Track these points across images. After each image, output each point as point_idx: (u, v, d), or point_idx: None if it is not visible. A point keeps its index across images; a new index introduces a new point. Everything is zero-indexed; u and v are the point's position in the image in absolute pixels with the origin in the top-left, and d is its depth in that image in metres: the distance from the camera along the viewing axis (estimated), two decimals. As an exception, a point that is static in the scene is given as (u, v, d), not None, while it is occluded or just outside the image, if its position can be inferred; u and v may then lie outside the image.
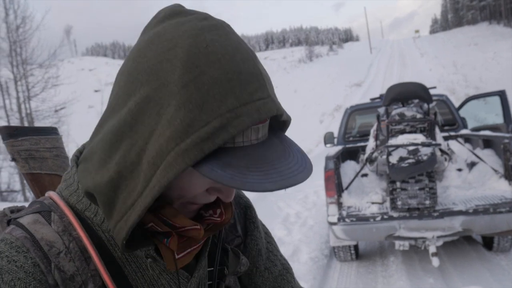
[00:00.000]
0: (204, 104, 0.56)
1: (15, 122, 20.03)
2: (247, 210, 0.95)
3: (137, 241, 0.67)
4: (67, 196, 0.71)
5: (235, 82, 0.57)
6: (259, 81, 0.60)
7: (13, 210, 0.79)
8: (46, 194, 0.74)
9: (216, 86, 0.56)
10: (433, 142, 4.69)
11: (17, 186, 15.94)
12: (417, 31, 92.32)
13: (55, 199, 0.70)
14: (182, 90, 0.56)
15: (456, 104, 7.29)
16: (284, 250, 5.63)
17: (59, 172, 1.08)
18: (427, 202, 4.64)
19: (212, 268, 0.82)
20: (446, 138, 5.92)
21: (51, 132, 1.13)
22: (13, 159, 1.06)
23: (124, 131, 0.60)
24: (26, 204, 0.77)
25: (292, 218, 7.32)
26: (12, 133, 1.04)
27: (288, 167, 0.61)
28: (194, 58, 0.57)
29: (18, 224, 0.66)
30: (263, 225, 1.00)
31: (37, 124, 16.76)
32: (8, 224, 0.70)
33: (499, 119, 7.24)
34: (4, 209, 0.80)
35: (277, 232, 6.43)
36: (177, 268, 0.69)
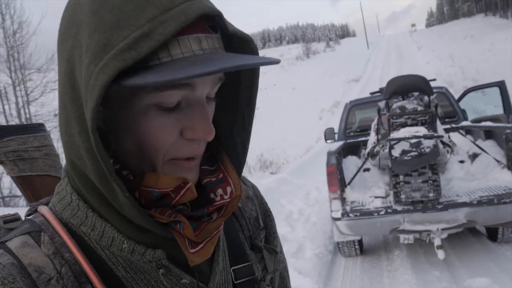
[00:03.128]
0: (120, 22, 0.53)
1: (14, 127, 19.87)
2: (264, 204, 0.92)
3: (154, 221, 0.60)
4: (60, 210, 0.64)
5: None
6: None
7: (6, 220, 0.72)
8: (38, 210, 0.67)
9: (129, 3, 0.54)
10: (435, 134, 4.68)
11: (19, 191, 15.88)
12: (413, 25, 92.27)
13: (47, 216, 0.64)
14: (92, 18, 0.54)
15: (455, 97, 7.28)
16: (288, 247, 5.63)
17: (51, 172, 1.01)
18: (431, 194, 4.64)
19: (243, 265, 0.77)
20: (447, 130, 5.92)
21: (39, 129, 1.04)
22: (0, 162, 0.98)
23: (65, 92, 0.58)
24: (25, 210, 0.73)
25: (295, 215, 7.31)
26: None
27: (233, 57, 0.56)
28: None
29: (6, 249, 0.60)
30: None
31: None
32: None
33: (498, 110, 7.23)
34: None
35: (281, 229, 6.41)
36: (196, 261, 0.63)
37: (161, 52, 0.54)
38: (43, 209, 0.66)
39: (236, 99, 0.71)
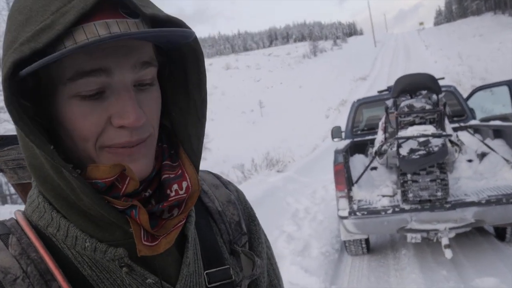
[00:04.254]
0: (28, 20, 0.56)
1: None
2: (249, 209, 0.91)
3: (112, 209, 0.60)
4: (30, 213, 0.67)
5: None
6: None
7: None
8: (13, 213, 0.70)
9: (38, 2, 0.57)
10: (444, 133, 4.65)
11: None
12: (421, 23, 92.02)
13: (18, 219, 0.67)
14: (8, 22, 0.59)
15: (463, 95, 7.23)
16: (295, 246, 5.62)
17: None
18: (439, 193, 4.61)
19: (217, 269, 0.76)
20: (455, 129, 5.88)
21: None
22: (1, 170, 1.01)
23: None
24: None
25: (301, 214, 7.30)
26: None
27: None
28: None
29: None
30: (263, 229, 0.95)
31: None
32: None
33: (506, 109, 7.18)
34: None
35: (287, 228, 6.41)
36: (149, 252, 0.62)
37: (67, 41, 0.55)
38: (17, 213, 0.69)
39: (186, 88, 0.70)
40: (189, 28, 0.63)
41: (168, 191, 0.67)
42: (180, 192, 0.67)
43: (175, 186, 0.67)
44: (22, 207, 0.81)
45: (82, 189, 0.58)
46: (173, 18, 0.62)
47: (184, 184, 0.68)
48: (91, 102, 0.59)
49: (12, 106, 0.55)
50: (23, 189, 1.01)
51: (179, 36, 0.60)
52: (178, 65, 0.70)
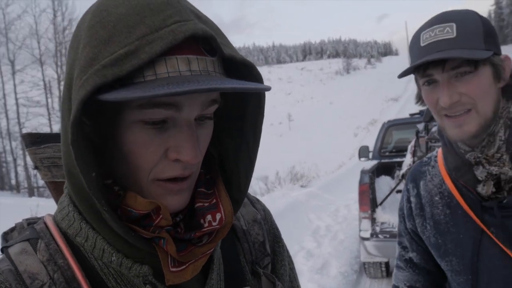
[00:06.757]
0: (111, 38, 0.54)
1: (56, 120, 20.73)
2: (275, 229, 0.90)
3: (137, 236, 0.61)
4: (59, 220, 0.67)
5: (145, 13, 0.55)
6: (174, 8, 0.57)
7: (30, 222, 0.74)
8: (43, 217, 0.70)
9: (124, 20, 0.55)
10: (474, 162, 4.55)
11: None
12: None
13: (48, 224, 0.67)
14: (87, 32, 0.57)
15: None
16: (313, 263, 5.57)
17: None
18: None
19: None
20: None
21: None
22: (36, 167, 1.01)
23: (64, 103, 0.60)
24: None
25: (322, 231, 7.24)
26: (34, 141, 1.00)
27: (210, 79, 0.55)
28: (102, 5, 0.58)
29: (6, 255, 0.64)
30: (287, 251, 0.93)
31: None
32: (2, 251, 0.67)
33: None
34: (22, 220, 0.77)
35: (307, 244, 6.37)
36: (175, 281, 0.63)
37: (147, 70, 0.54)
38: (47, 217, 0.69)
39: (242, 124, 0.70)
40: (260, 75, 0.63)
41: (202, 221, 0.67)
42: (213, 224, 0.67)
43: (209, 217, 0.67)
44: (48, 201, 0.82)
45: (110, 221, 0.59)
46: (246, 61, 0.62)
47: (218, 216, 0.67)
48: (153, 130, 0.59)
49: (76, 127, 0.55)
50: (55, 187, 1.02)
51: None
52: (236, 100, 0.69)
